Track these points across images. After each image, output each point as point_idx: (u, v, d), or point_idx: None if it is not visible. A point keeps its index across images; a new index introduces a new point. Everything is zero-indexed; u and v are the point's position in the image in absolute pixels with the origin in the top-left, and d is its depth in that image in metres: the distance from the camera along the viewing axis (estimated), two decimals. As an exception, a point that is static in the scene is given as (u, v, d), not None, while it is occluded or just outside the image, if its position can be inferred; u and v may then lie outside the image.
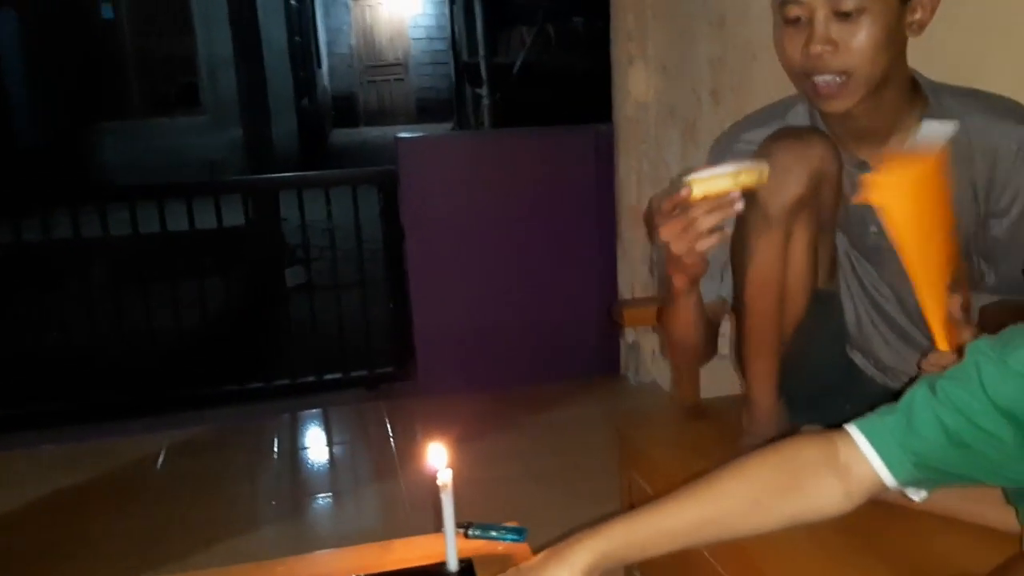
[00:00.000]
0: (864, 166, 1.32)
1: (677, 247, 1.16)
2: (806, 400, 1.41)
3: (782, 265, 1.30)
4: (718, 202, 1.12)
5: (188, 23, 10.01)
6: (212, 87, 9.92)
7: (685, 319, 1.35)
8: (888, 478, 0.93)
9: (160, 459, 2.74)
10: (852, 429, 0.95)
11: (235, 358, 3.56)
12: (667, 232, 1.15)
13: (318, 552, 1.20)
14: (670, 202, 1.14)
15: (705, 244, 1.15)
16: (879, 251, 1.39)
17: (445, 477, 1.08)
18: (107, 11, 10.00)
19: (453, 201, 3.10)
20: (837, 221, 1.39)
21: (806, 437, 0.98)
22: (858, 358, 1.48)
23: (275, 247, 4.75)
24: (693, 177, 1.12)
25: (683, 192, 1.11)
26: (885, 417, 0.94)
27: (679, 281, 1.28)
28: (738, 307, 1.38)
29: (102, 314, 3.23)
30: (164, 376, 3.31)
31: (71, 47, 9.30)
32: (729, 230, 1.31)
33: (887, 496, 1.01)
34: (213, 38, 9.39)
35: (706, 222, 1.12)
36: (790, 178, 1.25)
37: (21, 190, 3.68)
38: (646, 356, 3.15)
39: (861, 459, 0.93)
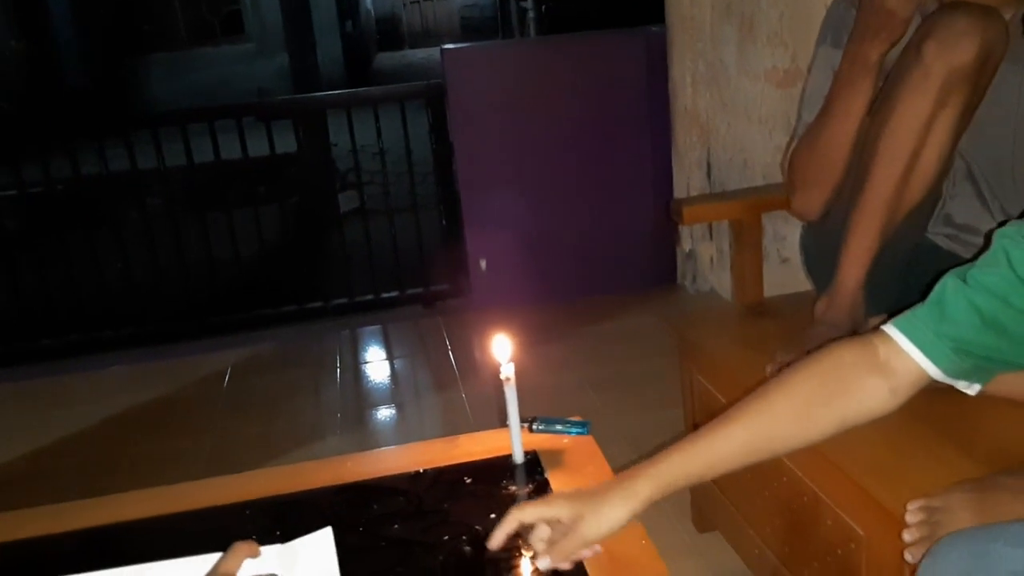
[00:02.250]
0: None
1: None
2: (878, 284, 1.36)
3: (925, 133, 1.25)
4: None
5: (229, -50, 9.93)
6: (256, 14, 9.86)
7: (858, 111, 1.36)
8: (931, 368, 0.93)
9: (226, 377, 2.80)
10: (888, 327, 0.95)
11: (293, 280, 3.60)
12: None
13: (385, 448, 1.21)
14: None
15: None
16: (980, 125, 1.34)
17: (508, 370, 1.07)
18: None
19: (502, 113, 3.05)
20: None
21: (843, 343, 0.98)
22: (928, 232, 1.43)
23: (327, 172, 4.75)
24: None
25: None
26: (917, 311, 0.95)
27: (877, 50, 1.31)
28: (863, 168, 1.33)
29: (162, 243, 3.28)
30: (225, 300, 3.36)
31: (114, -20, 9.30)
32: None
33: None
34: (254, -36, 9.30)
35: None
36: (964, 42, 1.20)
37: (73, 126, 3.70)
38: (703, 264, 3.09)
39: (901, 354, 0.93)
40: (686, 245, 3.15)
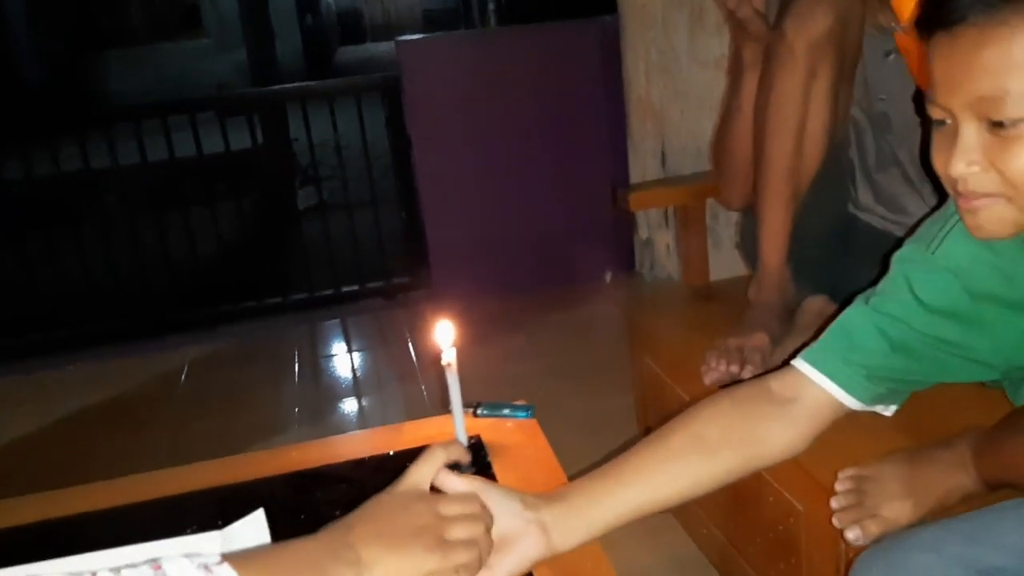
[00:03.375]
0: (884, 31, 1.31)
1: (741, 10, 1.32)
2: (810, 264, 1.40)
3: (804, 104, 1.31)
4: None
5: (185, -56, 9.80)
6: (214, 9, 9.76)
7: (749, 108, 1.42)
8: (847, 399, 0.92)
9: (183, 374, 2.78)
10: (797, 363, 0.94)
11: (252, 276, 3.58)
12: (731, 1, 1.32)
13: (332, 437, 1.22)
14: None
15: None
16: (887, 118, 1.37)
17: (450, 356, 1.08)
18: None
19: (459, 104, 3.05)
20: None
21: (739, 390, 0.95)
22: (860, 212, 1.47)
23: (286, 168, 4.73)
24: None
25: None
26: (823, 341, 0.94)
27: (747, 50, 1.40)
28: (758, 152, 1.38)
29: (120, 242, 3.26)
30: (184, 297, 3.34)
31: (69, -24, 9.15)
32: None
33: None
34: (211, -42, 9.20)
35: None
36: (818, 11, 1.26)
37: (29, 126, 3.65)
38: (660, 251, 3.12)
39: (813, 387, 0.91)
40: (643, 233, 3.18)
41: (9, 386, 2.83)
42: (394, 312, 3.19)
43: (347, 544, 0.63)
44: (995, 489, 0.95)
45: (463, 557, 0.68)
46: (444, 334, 1.08)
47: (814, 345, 0.94)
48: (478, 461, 1.07)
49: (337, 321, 3.19)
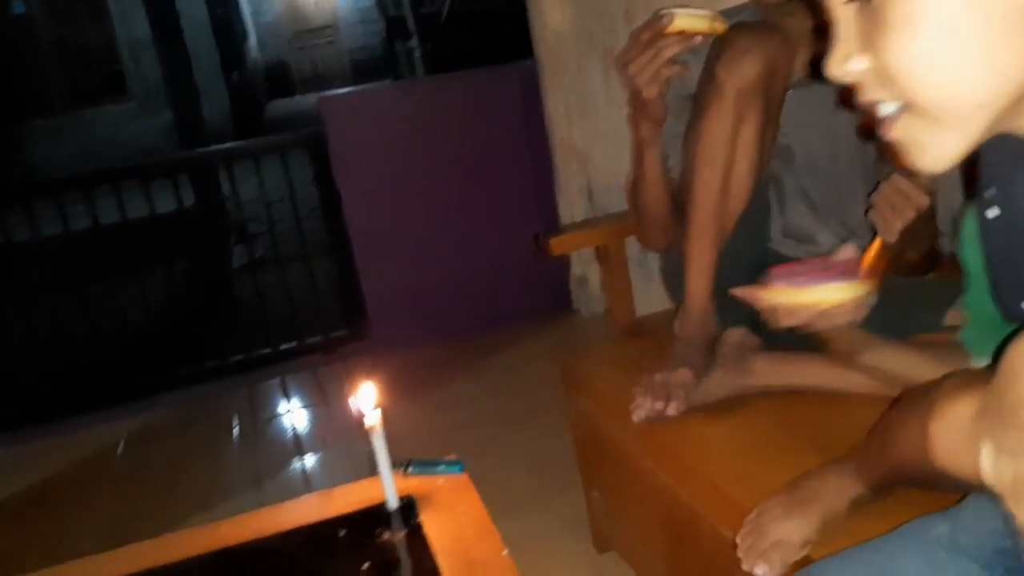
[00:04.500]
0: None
1: (642, 78, 1.30)
2: (734, 301, 1.43)
3: (732, 145, 1.34)
4: (686, 37, 1.27)
5: (103, 8, 9.70)
6: (136, 72, 9.67)
7: (653, 177, 1.46)
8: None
9: (120, 447, 2.72)
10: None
11: (188, 341, 3.53)
12: (635, 65, 1.30)
13: (260, 509, 1.21)
14: (650, 30, 1.27)
15: (667, 72, 1.30)
16: (790, 151, 1.43)
17: (373, 418, 1.09)
18: (19, 6, 9.66)
19: (385, 155, 3.07)
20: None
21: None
22: (774, 244, 1.51)
23: (219, 227, 4.68)
24: (677, 11, 1.25)
25: (664, 21, 1.25)
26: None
27: (645, 129, 1.41)
28: (685, 191, 1.42)
29: (47, 315, 3.18)
30: (116, 367, 3.27)
31: (-16, 46, 9.01)
32: (693, 64, 1.39)
33: None
34: (130, 21, 9.13)
35: (671, 50, 1.28)
36: (747, 58, 1.30)
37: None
38: (594, 288, 3.16)
39: None
40: (577, 270, 3.22)
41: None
42: (334, 367, 3.17)
43: None
44: (884, 491, 0.98)
45: None
46: (366, 396, 1.09)
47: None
48: (409, 521, 1.08)
49: (276, 380, 3.15)
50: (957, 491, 0.84)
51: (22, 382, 3.16)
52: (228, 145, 4.19)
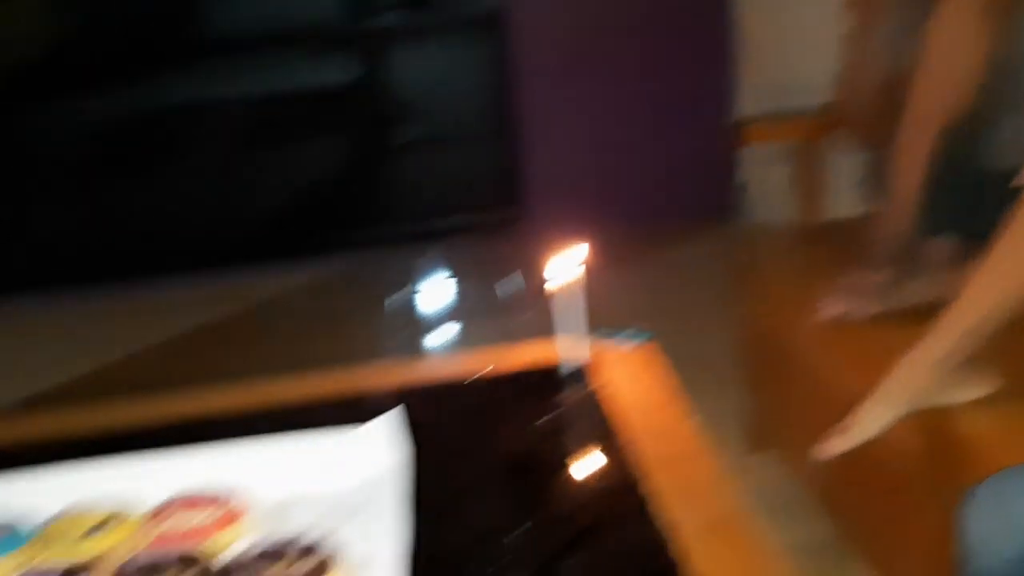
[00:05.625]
0: None
1: None
2: (940, 204, 1.35)
3: (966, 41, 1.28)
4: None
5: None
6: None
7: (872, 65, 1.40)
8: None
9: (291, 299, 2.88)
10: None
11: (352, 209, 3.64)
12: None
13: (436, 356, 1.24)
14: None
15: None
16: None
17: (563, 274, 1.09)
18: None
19: (564, 34, 3.02)
20: None
21: None
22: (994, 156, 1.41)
23: (385, 100, 4.75)
24: None
25: None
26: None
27: (867, 13, 1.38)
28: (907, 83, 1.35)
29: (232, 170, 3.36)
30: (288, 226, 3.43)
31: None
32: None
33: None
34: None
35: None
36: None
37: (127, 54, 3.74)
38: (765, 193, 3.05)
39: None
40: (747, 173, 3.11)
41: (122, 305, 2.97)
42: (490, 246, 3.21)
43: None
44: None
45: None
46: (573, 254, 1.09)
47: None
48: (588, 384, 1.08)
49: (434, 255, 3.23)
50: None
51: (209, 229, 3.35)
52: (404, 16, 4.19)
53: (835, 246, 1.64)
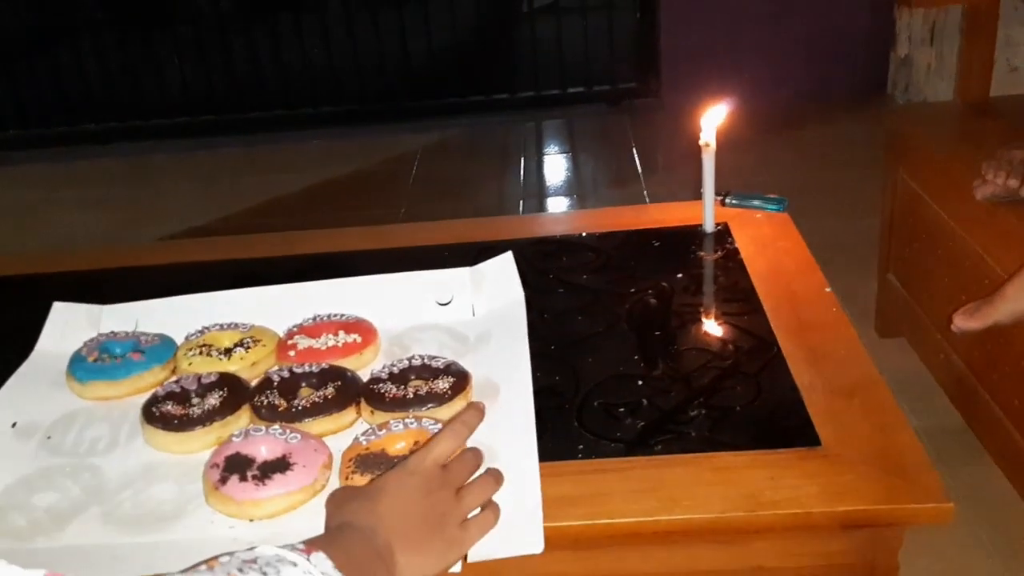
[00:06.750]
0: None
1: None
2: None
3: None
4: None
5: None
6: None
7: None
8: None
9: (416, 159, 2.90)
10: None
11: (483, 71, 3.60)
12: None
13: (576, 211, 1.23)
14: None
15: None
16: None
17: (709, 135, 1.05)
18: None
19: None
20: None
21: None
22: None
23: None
24: None
25: None
26: None
27: None
28: None
29: (360, 29, 3.35)
30: (417, 86, 3.43)
31: None
32: None
33: None
34: None
35: None
36: None
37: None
38: (919, 71, 2.84)
39: None
40: (901, 51, 2.90)
41: (259, 155, 3.07)
42: (619, 117, 3.14)
43: (385, 543, 0.61)
44: None
45: (480, 530, 0.65)
46: (712, 115, 1.05)
47: None
48: (727, 244, 1.06)
49: (562, 121, 3.19)
50: None
51: (341, 86, 3.39)
52: None
53: (998, 121, 1.52)
